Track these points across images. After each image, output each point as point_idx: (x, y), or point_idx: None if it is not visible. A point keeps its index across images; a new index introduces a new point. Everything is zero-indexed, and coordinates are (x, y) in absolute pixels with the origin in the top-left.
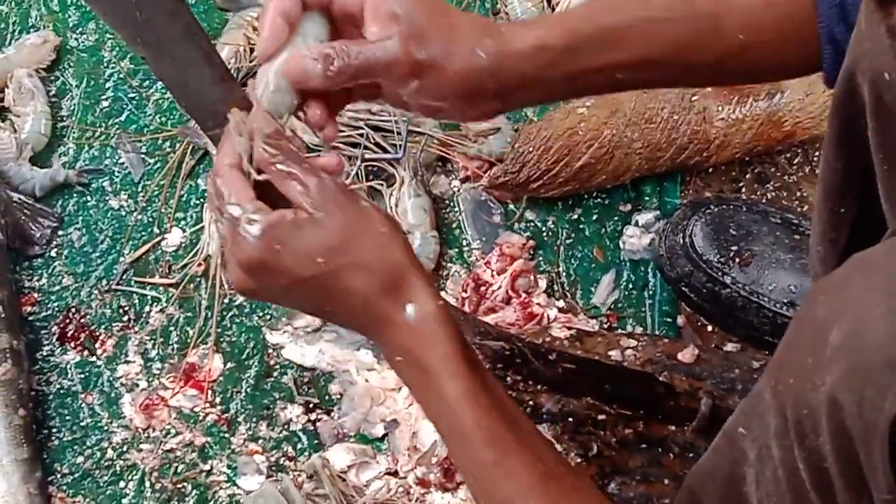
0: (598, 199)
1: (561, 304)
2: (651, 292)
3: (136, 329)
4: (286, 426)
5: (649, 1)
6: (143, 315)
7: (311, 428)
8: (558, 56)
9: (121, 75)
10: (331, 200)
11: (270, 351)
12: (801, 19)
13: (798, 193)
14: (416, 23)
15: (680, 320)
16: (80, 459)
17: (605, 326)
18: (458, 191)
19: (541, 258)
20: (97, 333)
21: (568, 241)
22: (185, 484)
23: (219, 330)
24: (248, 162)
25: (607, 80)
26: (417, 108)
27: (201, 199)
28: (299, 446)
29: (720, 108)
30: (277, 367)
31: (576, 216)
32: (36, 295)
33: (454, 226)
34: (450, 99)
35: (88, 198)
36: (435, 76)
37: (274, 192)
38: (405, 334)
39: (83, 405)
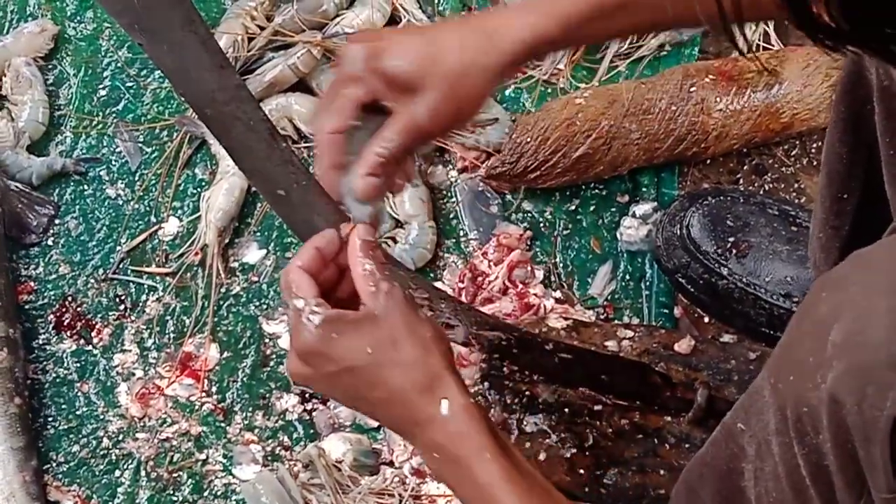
0: (596, 190)
1: (558, 294)
2: (648, 283)
3: (133, 318)
4: (282, 416)
5: None
6: (140, 304)
7: (307, 418)
8: (555, 41)
9: (118, 64)
10: (393, 306)
11: (267, 340)
12: None
13: (795, 185)
14: (414, 79)
15: (676, 311)
16: (75, 448)
17: (602, 317)
18: (456, 181)
19: (538, 249)
20: (93, 322)
21: (565, 232)
22: (181, 473)
23: (215, 319)
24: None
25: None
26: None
27: (198, 189)
28: (295, 436)
29: (718, 99)
30: (274, 356)
31: (573, 207)
32: (32, 283)
33: (451, 216)
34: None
35: (85, 186)
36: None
37: (337, 297)
38: (439, 429)
39: (79, 394)
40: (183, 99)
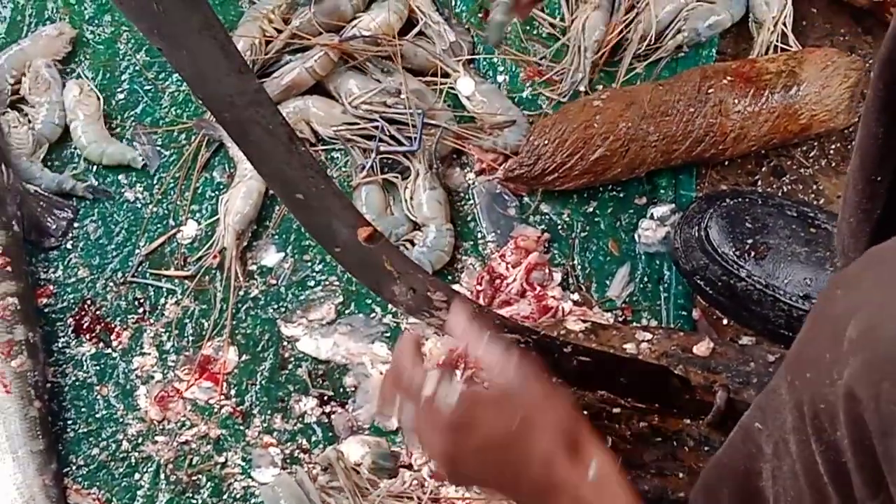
0: (614, 192)
1: (576, 297)
2: (666, 285)
3: (152, 321)
4: (301, 418)
5: None
6: (159, 307)
7: (326, 420)
8: None
9: (136, 68)
10: (526, 376)
11: (285, 343)
12: None
13: (814, 186)
14: None
15: (695, 313)
16: (95, 451)
17: (620, 319)
18: (473, 183)
19: (556, 251)
20: (112, 325)
21: (583, 234)
22: (200, 476)
23: (234, 322)
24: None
25: None
26: None
27: (216, 192)
28: (314, 439)
29: (736, 101)
30: (292, 359)
31: (591, 209)
32: (52, 287)
33: (469, 218)
34: None
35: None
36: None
37: None
38: (589, 491)
39: (98, 397)
40: (202, 103)
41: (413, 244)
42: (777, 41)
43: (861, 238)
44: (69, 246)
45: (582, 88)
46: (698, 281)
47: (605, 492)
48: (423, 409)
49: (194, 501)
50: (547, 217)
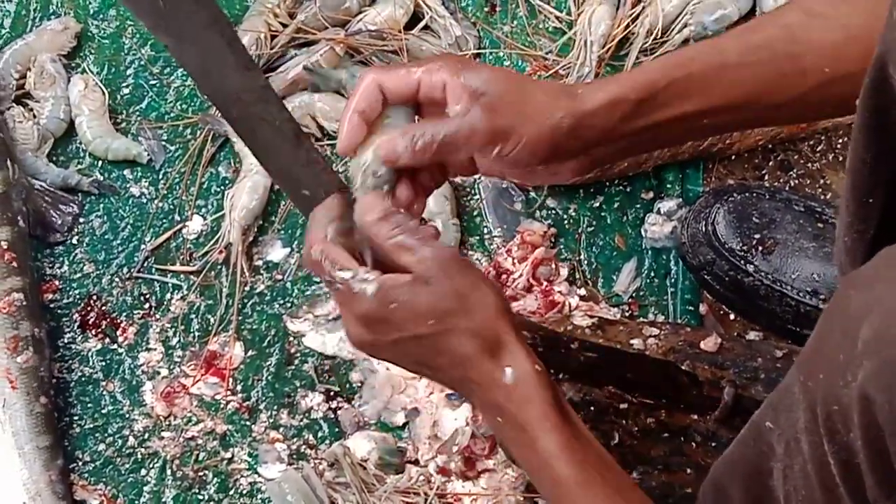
0: (620, 187)
1: (582, 292)
2: (673, 280)
3: (158, 317)
4: (307, 414)
5: (724, 48)
6: (164, 303)
7: (332, 416)
8: (633, 108)
9: (141, 62)
10: (444, 268)
11: (291, 339)
12: None
13: (821, 181)
14: (493, 94)
15: (702, 309)
16: (101, 447)
17: (627, 315)
18: (479, 178)
19: (562, 246)
20: (118, 321)
21: (589, 229)
22: (207, 472)
23: (240, 318)
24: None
25: (687, 127)
26: (508, 174)
27: (222, 187)
28: (320, 434)
29: None
30: (298, 355)
31: (597, 204)
32: (57, 282)
33: (475, 213)
34: (532, 162)
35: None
36: (513, 142)
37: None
38: (503, 395)
39: (104, 393)
40: (208, 100)
41: None
42: None
43: (856, 257)
44: (74, 241)
45: (588, 82)
46: (705, 276)
47: (519, 399)
48: (341, 293)
49: (200, 497)
50: (553, 212)
